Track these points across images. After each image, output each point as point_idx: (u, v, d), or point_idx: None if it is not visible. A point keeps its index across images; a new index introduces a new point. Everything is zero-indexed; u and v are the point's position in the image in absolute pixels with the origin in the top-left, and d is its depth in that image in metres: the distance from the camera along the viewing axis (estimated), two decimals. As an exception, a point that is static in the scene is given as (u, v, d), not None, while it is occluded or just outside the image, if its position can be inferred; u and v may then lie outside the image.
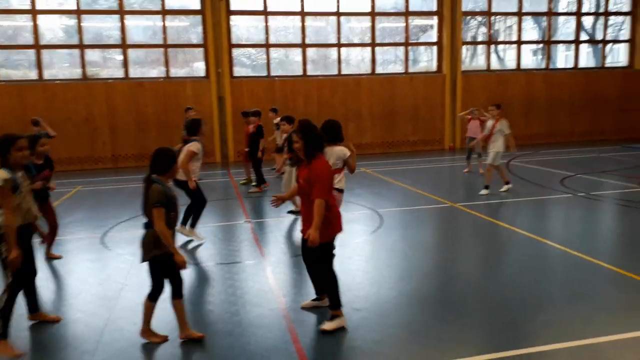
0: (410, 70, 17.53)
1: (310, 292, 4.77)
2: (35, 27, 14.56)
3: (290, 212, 8.13)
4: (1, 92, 14.24)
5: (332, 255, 4.21)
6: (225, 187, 11.26)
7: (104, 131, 14.85)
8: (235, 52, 16.09)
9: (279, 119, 12.16)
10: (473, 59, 18.93)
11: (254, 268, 5.72)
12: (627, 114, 18.53)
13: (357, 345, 3.87)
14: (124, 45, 15.18)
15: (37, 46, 14.65)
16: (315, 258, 4.17)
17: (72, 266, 6.01)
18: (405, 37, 17.18)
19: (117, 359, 3.75)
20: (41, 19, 14.73)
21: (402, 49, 17.53)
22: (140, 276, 5.61)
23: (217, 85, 15.41)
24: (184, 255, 3.83)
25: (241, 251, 6.47)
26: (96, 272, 5.89)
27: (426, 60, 18.59)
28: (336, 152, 5.35)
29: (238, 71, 16.20)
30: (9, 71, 15.00)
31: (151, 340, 3.96)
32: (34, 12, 14.48)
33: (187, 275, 5.15)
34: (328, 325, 4.09)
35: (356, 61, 17.58)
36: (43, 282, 5.33)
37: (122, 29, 15.06)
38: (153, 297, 3.91)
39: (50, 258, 6.13)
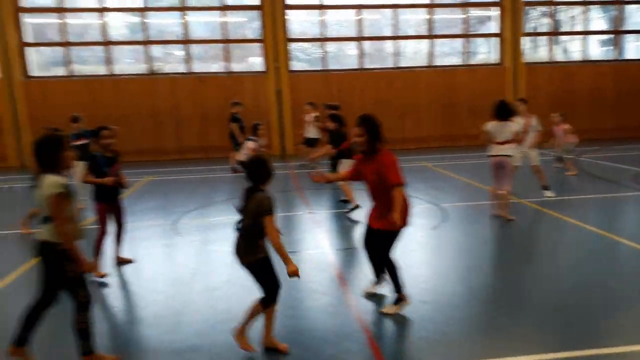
0: (469, 62, 17.15)
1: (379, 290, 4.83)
2: (105, 25, 15.32)
3: (342, 200, 8.13)
4: (74, 87, 15.11)
5: (394, 245, 4.26)
6: (284, 179, 11.47)
7: (169, 124, 15.46)
8: (292, 46, 16.30)
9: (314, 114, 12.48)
10: (535, 51, 18.27)
11: (317, 257, 5.84)
12: None
13: (424, 335, 3.90)
14: (186, 41, 15.72)
15: (106, 43, 15.42)
16: (381, 246, 4.24)
17: (149, 250, 6.34)
18: (465, 28, 16.82)
19: (196, 339, 3.95)
20: (109, 16, 15.48)
21: (459, 41, 17.17)
22: (210, 262, 5.91)
23: (275, 79, 15.67)
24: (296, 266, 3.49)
25: (304, 241, 6.62)
26: (170, 257, 6.21)
27: (484, 52, 18.12)
28: None
29: (295, 65, 16.40)
30: (80, 67, 15.87)
31: (241, 343, 3.72)
32: (103, 10, 15.24)
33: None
34: (391, 308, 4.25)
35: (412, 54, 17.38)
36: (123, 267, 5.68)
37: (185, 24, 15.60)
38: (271, 300, 3.64)
39: (120, 262, 5.71)
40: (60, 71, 15.59)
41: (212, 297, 4.74)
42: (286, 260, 3.45)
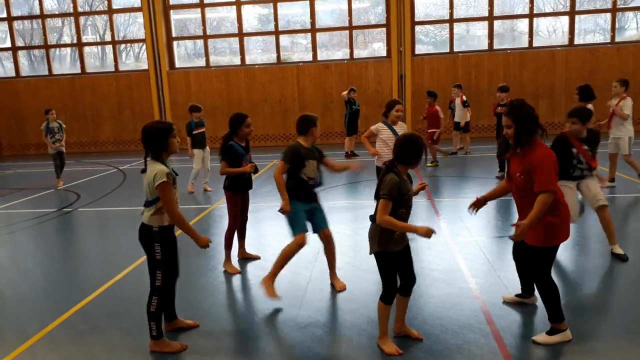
0: (617, 39, 15.33)
1: (500, 276, 4.62)
2: (239, 17, 16.32)
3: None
4: (212, 77, 16.40)
5: (551, 263, 3.57)
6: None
7: (294, 111, 16.11)
8: (417, 29, 15.93)
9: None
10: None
11: (440, 247, 5.72)
12: None
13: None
14: (312, 30, 16.16)
15: (240, 34, 16.44)
16: (531, 264, 3.61)
17: (275, 229, 6.69)
18: (613, 2, 15.04)
19: (318, 315, 4.13)
20: (243, 9, 16.44)
21: (605, 16, 15.40)
22: (336, 242, 6.04)
23: (398, 64, 15.49)
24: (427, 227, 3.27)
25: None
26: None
27: (634, 28, 16.04)
28: None
29: (419, 49, 16.03)
30: (217, 58, 17.14)
31: (385, 349, 3.48)
32: (237, 3, 16.23)
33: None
34: (544, 338, 3.52)
35: (547, 33, 16.00)
36: (250, 242, 6.08)
37: (312, 14, 16.02)
38: (384, 298, 3.44)
39: (246, 258, 5.59)
40: (199, 62, 16.99)
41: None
42: (408, 229, 3.27)
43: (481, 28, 15.76)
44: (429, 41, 16.66)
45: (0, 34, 17.74)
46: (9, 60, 17.68)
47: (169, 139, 3.46)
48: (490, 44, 15.56)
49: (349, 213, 7.47)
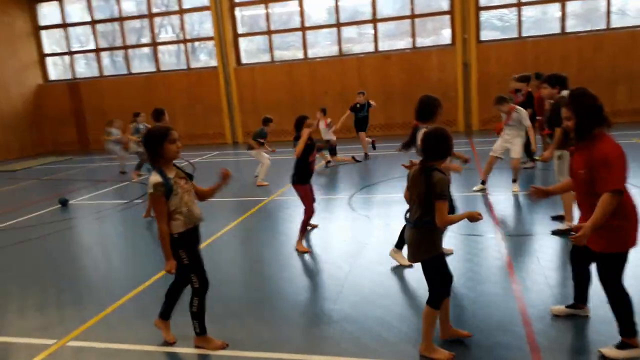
0: None
1: (551, 283, 4.50)
2: (302, 12, 16.56)
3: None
4: (276, 72, 16.81)
5: (622, 270, 3.24)
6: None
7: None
8: (483, 15, 15.35)
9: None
10: None
11: (489, 242, 5.62)
12: None
13: (596, 339, 3.51)
14: (374, 20, 16.07)
15: (303, 28, 16.69)
16: (600, 273, 3.28)
17: (325, 223, 6.87)
18: None
19: (351, 310, 4.23)
20: (306, 3, 16.64)
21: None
22: (378, 238, 6.13)
23: (463, 52, 15.04)
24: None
25: (478, 224, 6.41)
26: (342, 230, 6.67)
27: None
28: None
29: (485, 35, 15.46)
30: (282, 52, 17.52)
31: (435, 357, 3.35)
32: (300, -3, 16.48)
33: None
34: (614, 352, 3.23)
35: (635, 11, 14.76)
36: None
37: (373, 3, 15.92)
38: (434, 303, 3.32)
39: (297, 250, 5.79)
40: (264, 57, 17.45)
41: (374, 272, 4.99)
42: (460, 217, 3.24)
43: (556, 10, 14.86)
44: (499, 26, 15.98)
45: (85, 37, 19.22)
46: (94, 60, 19.14)
47: (164, 144, 3.40)
48: (563, 26, 14.69)
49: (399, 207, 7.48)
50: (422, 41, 16.02)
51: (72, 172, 13.73)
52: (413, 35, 15.87)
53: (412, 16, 15.78)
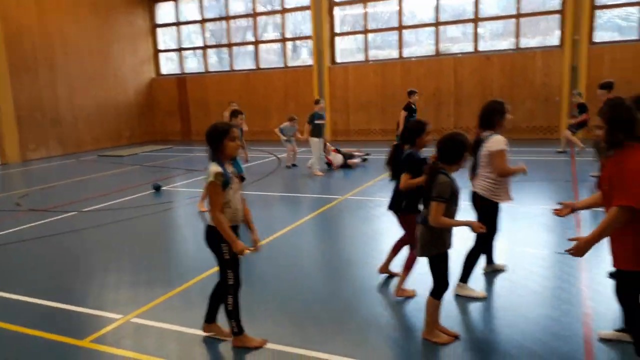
0: None
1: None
2: (400, 10, 16.31)
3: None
4: (369, 71, 16.75)
5: (639, 289, 3.10)
6: (564, 167, 10.27)
7: (448, 104, 15.62)
8: (598, 14, 14.05)
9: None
10: None
11: (563, 261, 5.16)
12: None
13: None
14: (475, 19, 15.39)
15: (400, 27, 16.44)
16: (617, 284, 3.15)
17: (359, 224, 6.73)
18: None
19: (353, 300, 4.13)
20: (407, 1, 16.36)
21: None
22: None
23: (572, 54, 13.90)
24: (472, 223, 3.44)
25: (525, 238, 6.00)
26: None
27: None
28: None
29: (601, 36, 14.15)
30: (377, 52, 17.41)
31: (437, 340, 3.63)
32: (399, -4, 16.24)
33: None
34: None
35: None
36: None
37: (476, 3, 15.25)
38: (437, 294, 3.61)
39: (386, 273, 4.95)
40: (359, 57, 17.46)
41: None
42: (459, 224, 3.44)
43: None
44: (619, 26, 14.55)
45: (196, 35, 20.55)
46: (201, 56, 20.43)
47: (225, 141, 3.46)
48: (696, 27, 13.02)
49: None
50: (527, 42, 15.06)
51: (170, 160, 14.76)
52: (517, 36, 14.97)
53: (518, 15, 14.87)
